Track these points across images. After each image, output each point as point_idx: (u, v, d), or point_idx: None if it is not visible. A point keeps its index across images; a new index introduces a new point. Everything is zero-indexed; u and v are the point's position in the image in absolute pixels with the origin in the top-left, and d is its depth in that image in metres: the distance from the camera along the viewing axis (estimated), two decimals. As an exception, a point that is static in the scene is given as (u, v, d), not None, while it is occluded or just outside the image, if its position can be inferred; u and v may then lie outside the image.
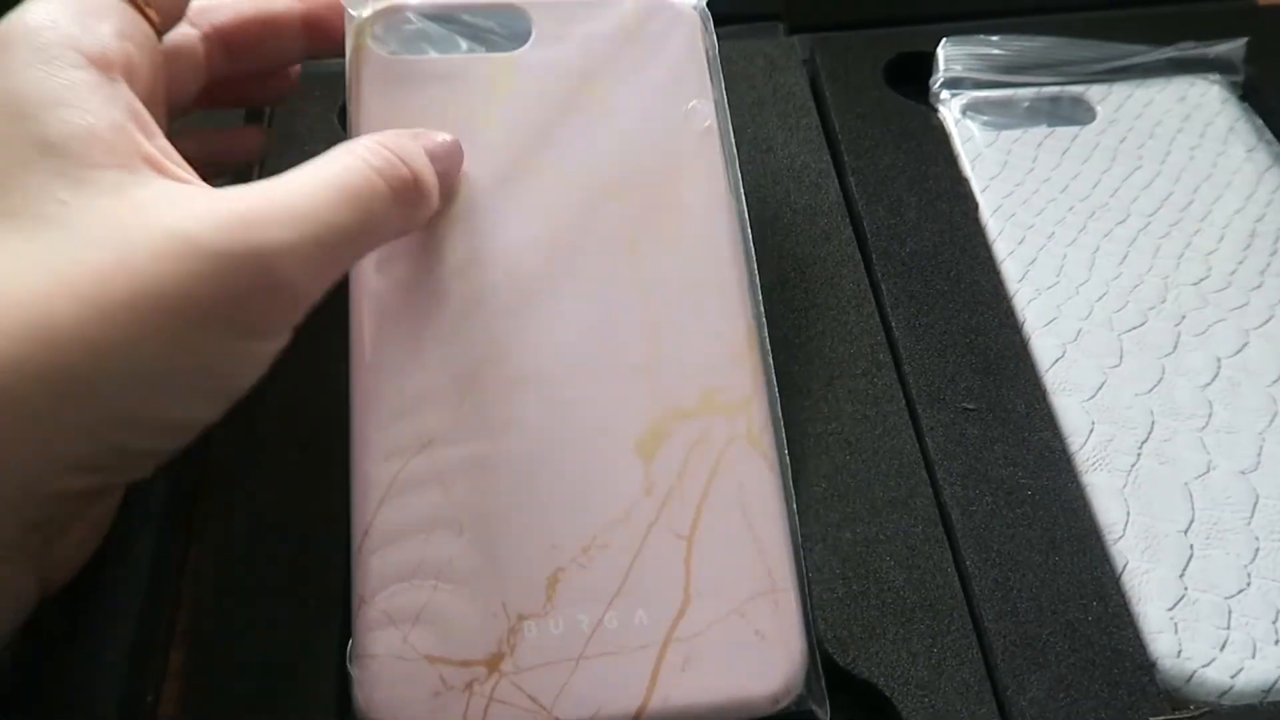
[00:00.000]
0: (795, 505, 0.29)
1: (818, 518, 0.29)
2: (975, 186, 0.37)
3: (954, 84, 0.40)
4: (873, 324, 0.33)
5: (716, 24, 0.36)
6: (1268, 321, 0.34)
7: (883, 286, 0.34)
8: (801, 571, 0.28)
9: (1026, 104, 0.40)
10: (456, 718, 0.25)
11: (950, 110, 0.39)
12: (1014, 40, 0.41)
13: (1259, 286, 0.35)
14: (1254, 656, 0.27)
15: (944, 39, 0.40)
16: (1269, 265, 0.35)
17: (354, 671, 0.26)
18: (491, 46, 0.33)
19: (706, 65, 0.33)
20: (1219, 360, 0.33)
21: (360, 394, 0.28)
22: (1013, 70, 0.41)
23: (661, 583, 0.27)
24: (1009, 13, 0.42)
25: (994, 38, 0.41)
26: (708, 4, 0.35)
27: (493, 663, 0.26)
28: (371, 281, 0.29)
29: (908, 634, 0.27)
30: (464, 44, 0.33)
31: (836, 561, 0.28)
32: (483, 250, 0.30)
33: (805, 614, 0.27)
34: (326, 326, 0.27)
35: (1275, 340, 0.33)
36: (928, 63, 0.40)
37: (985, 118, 0.40)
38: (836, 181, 0.37)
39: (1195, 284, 0.35)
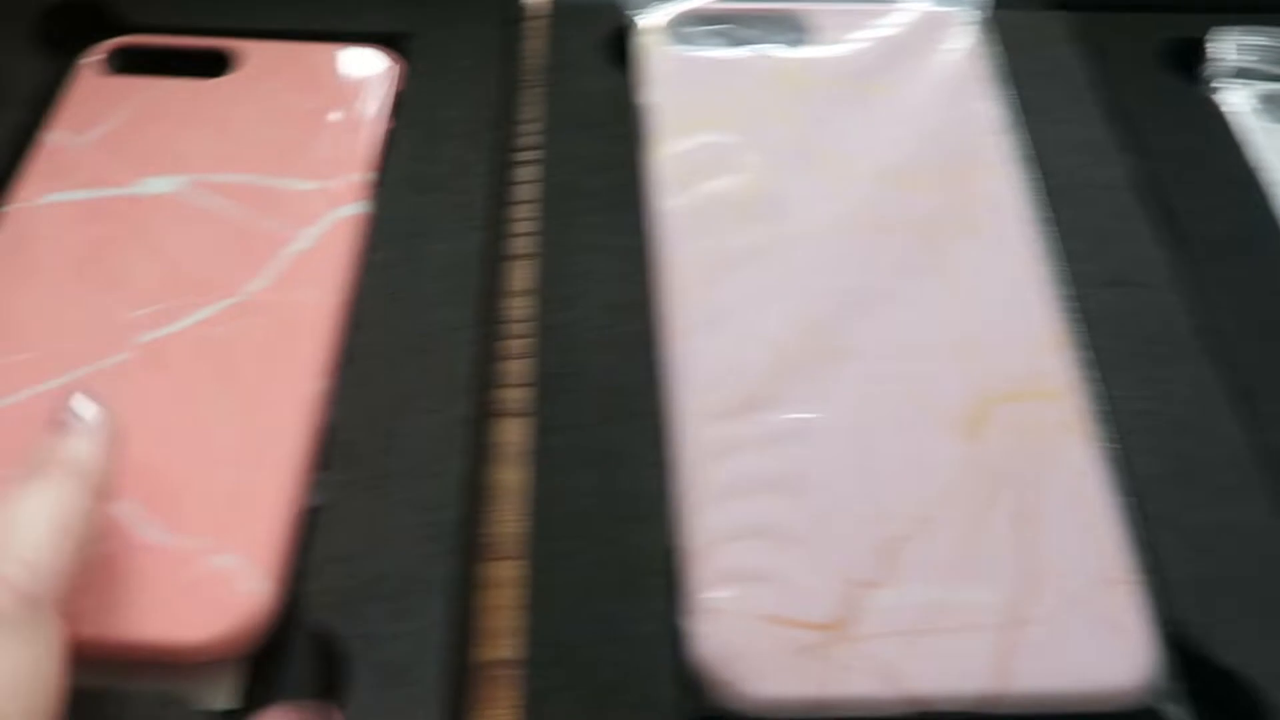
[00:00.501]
0: (1128, 490, 0.27)
1: (1156, 501, 0.27)
2: (1267, 172, 0.35)
3: (1232, 74, 0.38)
4: (1183, 303, 0.31)
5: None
6: None
7: (1192, 268, 0.32)
8: (1143, 561, 0.26)
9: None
10: (801, 680, 0.24)
11: (1236, 99, 0.38)
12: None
13: None
14: None
15: (1218, 28, 0.39)
16: None
17: (690, 624, 0.24)
18: (775, 47, 0.35)
19: (987, 71, 0.35)
20: None
21: (681, 356, 0.28)
22: (1287, 64, 0.39)
23: (1001, 564, 0.26)
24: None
25: (1269, 28, 0.39)
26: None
27: (836, 627, 0.24)
28: (683, 247, 0.30)
29: (1268, 624, 0.25)
30: (748, 44, 0.35)
31: (1184, 547, 0.26)
32: (791, 231, 0.31)
33: (1151, 605, 0.25)
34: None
35: None
36: (1199, 50, 0.39)
37: (1272, 109, 0.38)
38: (1124, 159, 0.35)
39: None
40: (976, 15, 0.36)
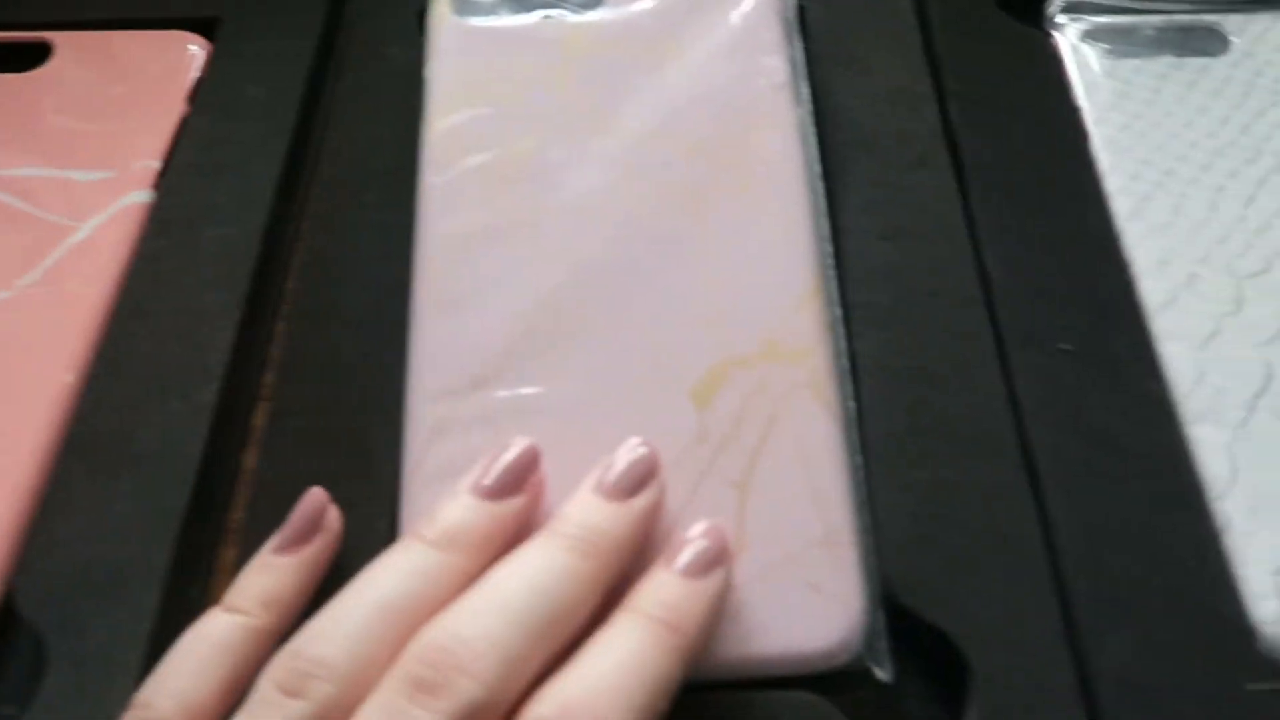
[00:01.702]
0: (864, 448, 0.27)
1: (892, 456, 0.27)
2: (1088, 117, 0.34)
3: (1073, 9, 0.37)
4: (965, 256, 0.31)
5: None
6: None
7: (979, 218, 0.32)
8: (866, 525, 0.26)
9: (1153, 33, 0.37)
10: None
11: (1067, 36, 0.37)
12: (1143, -37, 0.38)
13: (1403, 232, 0.32)
14: (1373, 628, 0.25)
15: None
16: None
17: None
18: (564, 12, 0.34)
19: (781, 24, 0.34)
20: (1355, 310, 0.30)
21: (417, 335, 0.29)
22: (1140, -4, 0.38)
23: None
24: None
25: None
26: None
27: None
28: (436, 225, 0.30)
29: (981, 582, 0.25)
30: (538, 9, 0.35)
31: (910, 502, 0.27)
32: (549, 203, 0.30)
33: (868, 569, 0.25)
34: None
35: None
36: (1045, -13, 0.38)
37: (1106, 46, 0.37)
38: (936, 107, 0.35)
39: (1331, 230, 0.32)
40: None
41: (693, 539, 0.23)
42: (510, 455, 0.24)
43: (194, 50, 0.36)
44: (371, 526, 0.26)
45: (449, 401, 0.27)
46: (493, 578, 0.22)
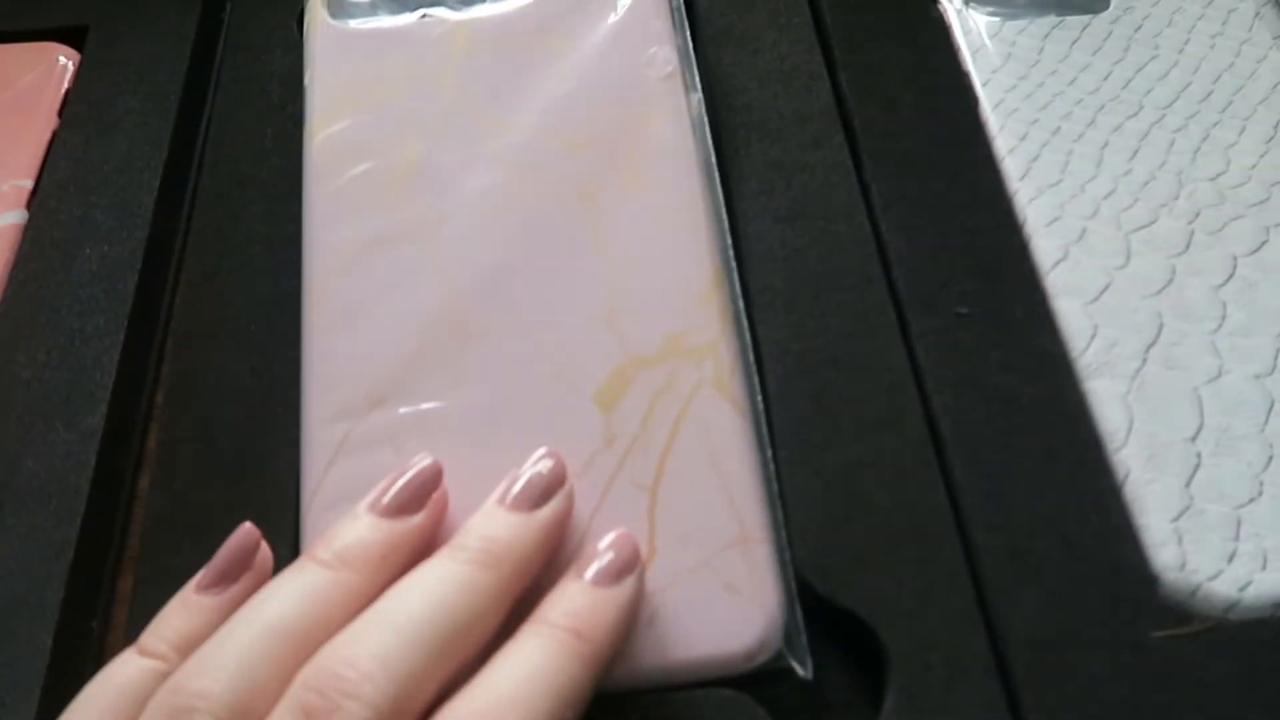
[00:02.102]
0: (772, 443, 0.27)
1: (800, 441, 0.27)
2: (976, 80, 0.35)
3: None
4: (864, 234, 0.31)
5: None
6: (1290, 217, 0.32)
7: (873, 188, 0.32)
8: (778, 520, 0.26)
9: (1035, -8, 0.38)
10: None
11: (952, 2, 0.37)
12: (1022, -77, 0.38)
13: (1281, 181, 0.32)
14: (1264, 569, 0.25)
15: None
16: (1293, 157, 0.33)
17: None
18: (445, 9, 0.33)
19: (669, 11, 0.33)
20: (1235, 259, 0.31)
21: (310, 354, 0.28)
22: (1021, -44, 0.38)
23: None
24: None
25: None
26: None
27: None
28: (324, 239, 0.29)
29: (893, 560, 0.25)
30: (417, 8, 0.33)
31: (819, 486, 0.27)
32: (440, 209, 0.29)
33: (782, 564, 0.25)
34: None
35: (1296, 236, 0.31)
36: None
37: (989, 8, 0.37)
38: (828, 83, 0.35)
39: (1212, 179, 0.33)
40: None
41: (602, 550, 0.23)
42: (410, 473, 0.24)
43: (64, 62, 0.35)
44: (273, 553, 0.26)
45: (347, 422, 0.26)
46: (389, 595, 0.21)
